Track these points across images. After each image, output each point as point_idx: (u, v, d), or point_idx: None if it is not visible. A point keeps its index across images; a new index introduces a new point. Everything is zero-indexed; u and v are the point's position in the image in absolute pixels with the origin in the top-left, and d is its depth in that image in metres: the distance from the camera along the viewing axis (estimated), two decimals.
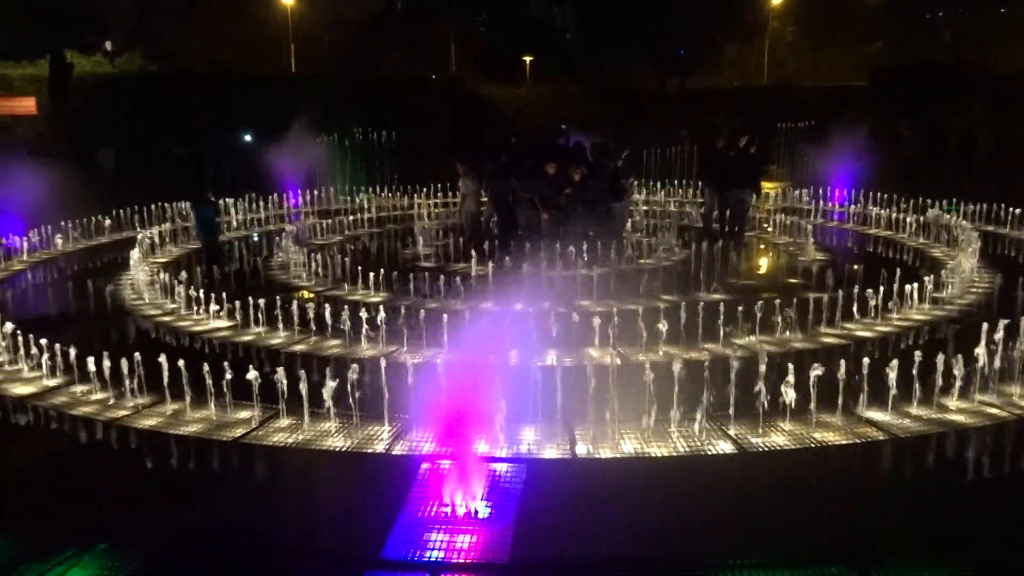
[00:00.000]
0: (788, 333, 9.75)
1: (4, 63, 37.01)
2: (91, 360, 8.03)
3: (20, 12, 40.38)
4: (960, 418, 7.34)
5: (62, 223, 16.84)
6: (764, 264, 15.27)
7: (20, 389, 8.43)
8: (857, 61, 50.70)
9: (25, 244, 15.75)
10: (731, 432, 7.06)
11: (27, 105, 34.93)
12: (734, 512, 5.92)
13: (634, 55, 50.12)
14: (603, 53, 50.82)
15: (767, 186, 20.07)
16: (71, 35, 38.97)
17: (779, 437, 6.97)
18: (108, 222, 17.90)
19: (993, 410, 7.51)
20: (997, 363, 7.76)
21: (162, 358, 7.70)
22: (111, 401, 7.96)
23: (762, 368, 7.16)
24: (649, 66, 50.78)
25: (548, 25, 68.41)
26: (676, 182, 22.45)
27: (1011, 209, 16.91)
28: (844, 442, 6.92)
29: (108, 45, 43.55)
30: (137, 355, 7.93)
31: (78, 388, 8.29)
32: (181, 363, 7.62)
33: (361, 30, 52.54)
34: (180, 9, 51.53)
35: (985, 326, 7.75)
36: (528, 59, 53.42)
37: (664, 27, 47.12)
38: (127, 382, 7.89)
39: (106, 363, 7.97)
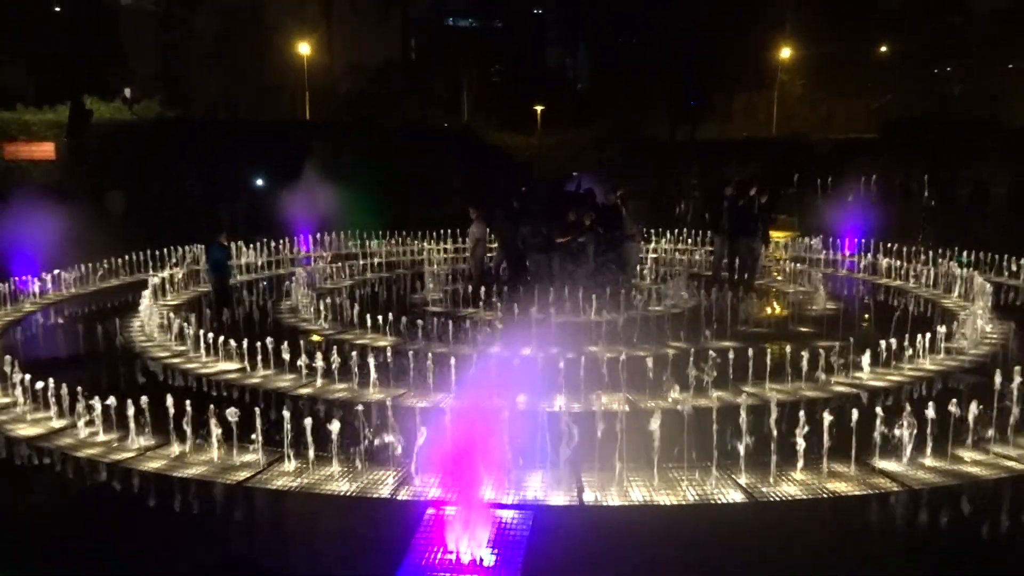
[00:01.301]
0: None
1: (26, 109, 37.82)
2: (97, 402, 8.01)
3: (47, 60, 41.38)
4: (975, 470, 7.20)
5: (75, 265, 16.97)
6: (774, 312, 15.19)
7: (26, 430, 8.40)
8: (867, 113, 51.06)
9: (37, 286, 15.84)
10: (741, 481, 6.94)
11: (45, 150, 35.61)
12: (744, 563, 5.79)
13: (646, 105, 50.65)
14: (615, 103, 51.41)
15: (777, 235, 20.07)
16: (93, 82, 39.83)
17: (791, 487, 6.85)
18: (120, 264, 18.03)
19: (1010, 463, 7.36)
20: (1013, 415, 7.63)
21: (168, 400, 7.67)
22: (115, 444, 7.92)
23: (772, 416, 7.06)
24: (660, 116, 51.26)
25: (561, 75, 69.40)
26: (685, 230, 22.48)
27: (1022, 260, 16.82)
28: (857, 493, 6.78)
29: (128, 92, 44.46)
30: (144, 398, 7.91)
31: (84, 430, 8.25)
32: (188, 406, 7.59)
33: (376, 79, 53.41)
34: (201, 57, 52.64)
35: (999, 377, 7.65)
36: (540, 108, 54.09)
37: (676, 77, 47.68)
38: (132, 424, 7.85)
39: (112, 405, 7.95)
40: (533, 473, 7.05)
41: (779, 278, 17.74)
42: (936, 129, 35.53)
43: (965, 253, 17.68)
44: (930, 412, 7.17)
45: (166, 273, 16.62)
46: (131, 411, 7.81)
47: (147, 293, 13.77)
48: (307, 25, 51.86)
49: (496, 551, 5.73)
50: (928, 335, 10.63)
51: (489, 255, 17.98)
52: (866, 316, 13.42)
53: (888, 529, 6.52)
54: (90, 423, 8.18)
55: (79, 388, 8.30)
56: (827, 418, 6.98)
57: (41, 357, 11.57)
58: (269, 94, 49.79)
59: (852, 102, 54.05)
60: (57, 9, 46.04)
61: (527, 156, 40.14)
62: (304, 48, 48.42)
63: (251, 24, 51.78)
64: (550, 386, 9.05)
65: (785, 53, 50.83)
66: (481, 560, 5.60)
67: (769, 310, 15.04)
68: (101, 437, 8.06)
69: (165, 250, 18.77)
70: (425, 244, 21.06)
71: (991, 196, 27.76)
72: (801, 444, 6.88)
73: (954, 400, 7.29)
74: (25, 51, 43.81)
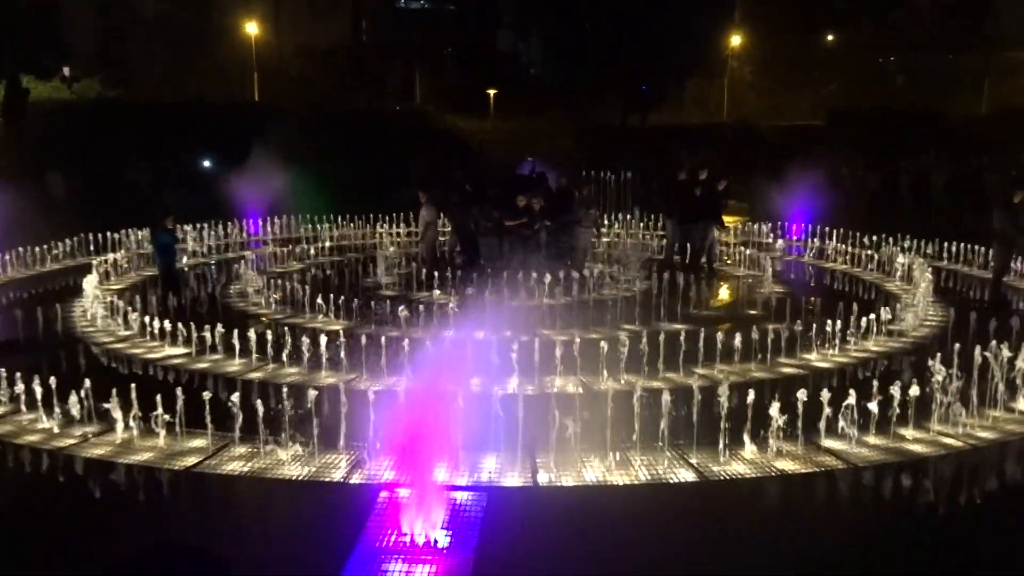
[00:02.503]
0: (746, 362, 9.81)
1: None
2: (37, 387, 7.78)
3: None
4: (917, 448, 7.41)
5: (15, 249, 16.43)
6: (724, 295, 15.40)
7: None
8: (814, 102, 51.95)
9: None
10: (693, 461, 7.04)
11: None
12: (696, 541, 5.89)
13: (598, 91, 50.77)
14: (567, 88, 51.45)
15: (728, 220, 20.32)
16: (29, 60, 38.41)
17: (740, 466, 6.97)
18: (64, 248, 17.50)
19: (948, 440, 7.60)
20: (949, 394, 7.87)
21: (112, 385, 7.49)
22: (55, 430, 7.70)
23: (723, 397, 7.17)
24: (612, 102, 51.43)
25: (513, 60, 69.11)
26: (635, 214, 22.61)
27: (961, 245, 17.32)
28: (805, 471, 6.93)
29: (66, 70, 43.00)
30: (87, 382, 7.71)
31: (24, 417, 8.01)
32: (132, 390, 7.42)
33: (326, 61, 52.54)
34: (144, 37, 51.19)
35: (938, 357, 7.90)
36: (492, 92, 53.87)
37: (628, 63, 47.86)
38: (76, 410, 7.65)
39: (53, 391, 7.73)
40: (487, 455, 7.05)
41: (729, 262, 18.00)
42: (880, 118, 36.32)
43: (905, 242, 18.11)
44: (874, 392, 7.38)
45: (110, 257, 16.19)
46: (73, 397, 7.60)
47: (90, 277, 13.38)
48: (255, 5, 50.77)
49: (450, 532, 5.73)
50: (872, 317, 10.90)
51: (442, 239, 17.89)
52: (812, 299, 13.68)
53: (833, 505, 6.69)
54: (32, 410, 7.95)
55: (18, 373, 8.04)
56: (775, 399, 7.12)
57: None
58: (216, 76, 48.62)
59: (799, 91, 54.98)
60: None
61: (481, 139, 39.92)
62: (252, 28, 47.43)
63: (196, 3, 50.47)
64: (503, 369, 9.05)
65: (736, 41, 51.44)
66: (435, 542, 5.59)
67: (721, 294, 15.26)
68: (43, 424, 7.83)
69: (110, 234, 18.25)
70: (377, 228, 20.85)
71: (931, 185, 28.52)
72: (750, 425, 7.01)
73: (897, 381, 7.50)
74: None
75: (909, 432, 7.62)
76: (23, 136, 31.44)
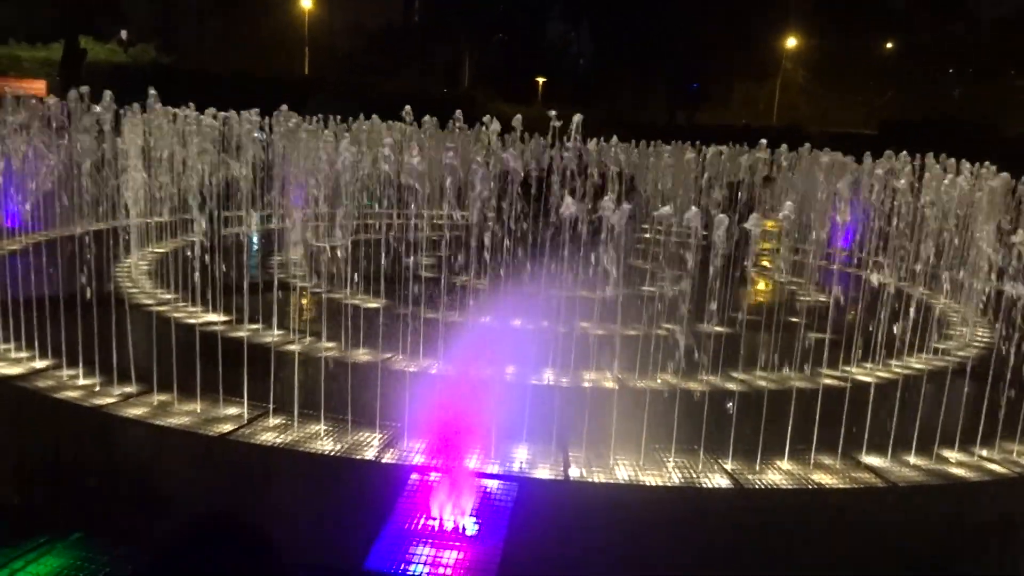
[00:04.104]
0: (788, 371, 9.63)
1: (18, 45, 37.08)
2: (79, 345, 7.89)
3: None
4: (960, 471, 7.22)
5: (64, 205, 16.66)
6: (765, 299, 15.16)
7: (6, 370, 8.26)
8: (866, 110, 51.06)
9: (25, 222, 15.54)
10: (728, 466, 6.93)
11: (37, 87, 34.95)
12: (726, 547, 5.78)
13: (647, 86, 50.40)
14: (616, 82, 51.12)
15: (770, 224, 20.01)
16: (87, 22, 39.09)
17: (776, 476, 6.84)
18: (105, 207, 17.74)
19: (991, 465, 7.39)
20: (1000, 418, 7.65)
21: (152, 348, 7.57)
22: (97, 388, 7.80)
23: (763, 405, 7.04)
24: (660, 98, 51.04)
25: (563, 49, 68.78)
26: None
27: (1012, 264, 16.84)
28: (842, 486, 6.79)
29: (123, 34, 43.66)
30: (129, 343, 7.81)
31: (65, 372, 8.13)
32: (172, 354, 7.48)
33: (378, 40, 52.77)
34: (199, 9, 51.80)
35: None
36: (541, 80, 53.69)
37: (679, 59, 47.41)
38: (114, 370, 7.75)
39: (93, 349, 7.83)
40: (519, 445, 7.00)
41: (770, 266, 17.72)
42: (935, 132, 35.56)
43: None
44: (918, 409, 7.20)
45: (155, 219, 16.36)
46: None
47: (133, 239, 13.54)
48: None
49: (479, 520, 5.69)
50: (917, 333, 10.65)
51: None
52: (856, 310, 13.39)
53: (869, 523, 6.54)
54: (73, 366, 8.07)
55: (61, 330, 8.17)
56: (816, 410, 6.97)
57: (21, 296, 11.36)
58: (268, 49, 49.06)
59: (850, 98, 54.07)
60: None
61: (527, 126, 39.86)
62: (306, 2, 47.70)
63: None
64: (539, 359, 8.99)
65: (791, 43, 50.64)
66: (464, 528, 5.56)
67: (762, 298, 15.03)
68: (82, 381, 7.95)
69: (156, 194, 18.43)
70: (421, 209, 20.79)
71: None
72: (788, 434, 6.87)
73: (943, 399, 7.31)
74: None
75: (952, 454, 7.43)
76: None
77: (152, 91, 13.72)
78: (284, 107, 17.45)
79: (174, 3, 54.52)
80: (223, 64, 44.15)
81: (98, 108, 11.25)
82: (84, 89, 12.17)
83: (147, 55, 41.56)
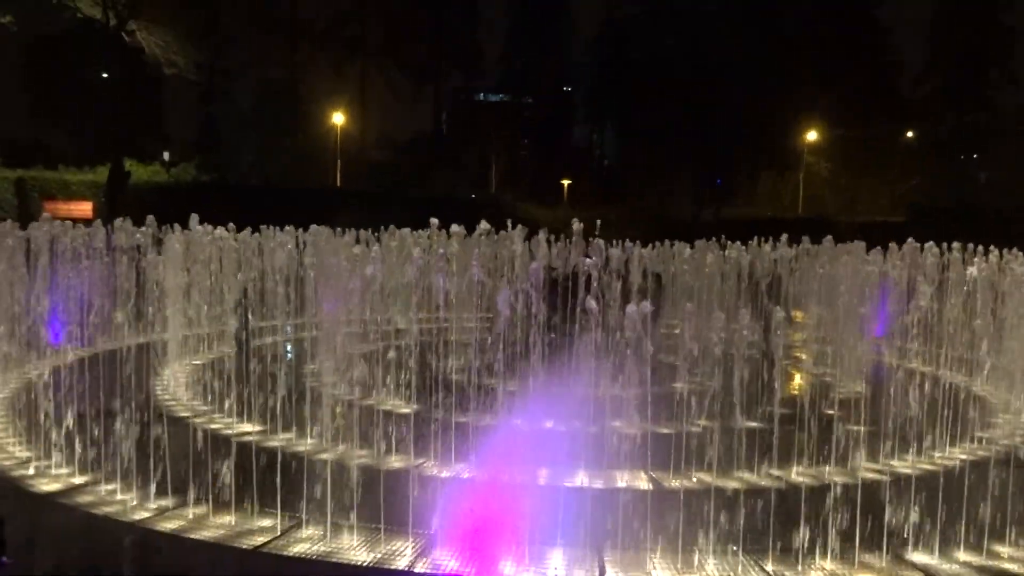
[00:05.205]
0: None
1: (66, 169, 38.98)
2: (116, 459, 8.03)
3: (89, 123, 42.82)
4: (1013, 567, 6.95)
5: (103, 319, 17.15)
6: (799, 391, 14.96)
7: (47, 486, 8.40)
8: (893, 198, 51.26)
9: (68, 339, 15.98)
10: (768, 568, 6.75)
11: (84, 209, 36.54)
12: None
13: (672, 183, 51.27)
14: (641, 180, 52.10)
15: (798, 315, 19.91)
16: (132, 145, 41.12)
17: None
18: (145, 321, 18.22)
19: None
20: None
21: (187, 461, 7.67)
22: (133, 502, 7.89)
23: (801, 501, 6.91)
24: (686, 195, 51.79)
25: (588, 151, 70.52)
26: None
27: None
28: None
29: (166, 155, 45.73)
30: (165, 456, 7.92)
31: (104, 487, 8.24)
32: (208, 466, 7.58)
33: (407, 150, 54.66)
34: (238, 125, 54.24)
35: None
36: (567, 182, 54.89)
37: (702, 157, 48.33)
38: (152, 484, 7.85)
39: (131, 463, 7.96)
40: (554, 549, 6.90)
41: (803, 357, 17.54)
42: (965, 216, 35.60)
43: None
44: (964, 503, 7.00)
45: (192, 331, 16.76)
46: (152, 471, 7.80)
47: (172, 349, 13.86)
48: (342, 96, 53.43)
49: None
50: (958, 422, 10.42)
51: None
52: (892, 399, 13.16)
53: None
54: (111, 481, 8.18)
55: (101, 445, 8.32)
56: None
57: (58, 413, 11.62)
58: (303, 162, 51.01)
59: (876, 186, 54.38)
60: (104, 76, 47.85)
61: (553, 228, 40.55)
62: (338, 118, 49.75)
63: (287, 94, 53.41)
64: (571, 461, 8.93)
65: (812, 136, 51.45)
66: None
67: (796, 390, 14.84)
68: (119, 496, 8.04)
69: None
70: (450, 313, 21.06)
71: None
72: (831, 531, 6.70)
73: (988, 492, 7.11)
74: (68, 114, 45.25)
75: (1005, 549, 7.17)
76: (121, 213, 33.37)
77: (194, 216, 14.47)
78: (314, 226, 18.17)
79: (213, 122, 57.22)
80: (260, 177, 45.91)
81: (138, 234, 11.82)
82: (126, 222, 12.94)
83: (188, 174, 43.37)
